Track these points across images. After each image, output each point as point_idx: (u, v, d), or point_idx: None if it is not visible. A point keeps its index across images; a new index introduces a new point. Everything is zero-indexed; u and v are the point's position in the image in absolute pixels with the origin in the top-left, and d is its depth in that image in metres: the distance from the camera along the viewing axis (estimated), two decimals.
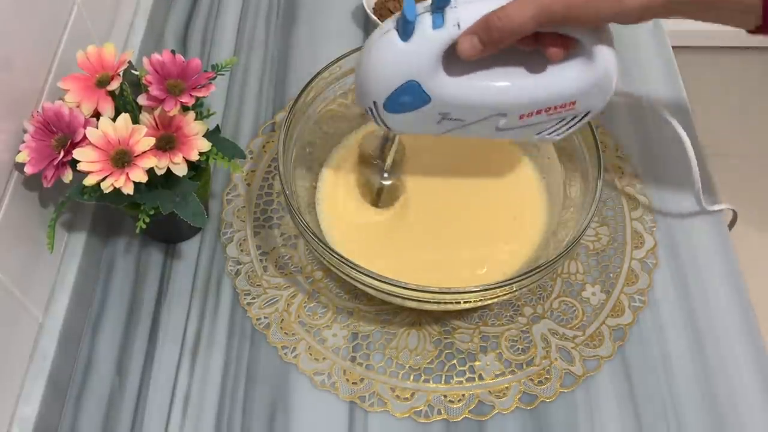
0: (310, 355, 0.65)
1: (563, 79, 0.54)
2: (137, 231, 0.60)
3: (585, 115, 0.57)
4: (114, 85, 0.58)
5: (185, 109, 0.60)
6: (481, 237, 0.68)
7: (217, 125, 0.66)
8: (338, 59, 0.67)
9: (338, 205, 0.70)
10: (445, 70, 0.53)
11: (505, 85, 0.54)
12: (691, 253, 0.71)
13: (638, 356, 0.65)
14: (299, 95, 0.65)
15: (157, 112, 0.59)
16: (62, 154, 0.56)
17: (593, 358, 0.65)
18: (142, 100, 0.59)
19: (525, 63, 0.54)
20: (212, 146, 0.61)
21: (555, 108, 0.56)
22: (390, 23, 0.53)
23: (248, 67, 0.85)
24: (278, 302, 0.67)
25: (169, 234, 0.71)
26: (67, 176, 0.57)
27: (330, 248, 0.58)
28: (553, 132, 0.59)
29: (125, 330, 0.67)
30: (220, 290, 0.69)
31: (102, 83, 0.59)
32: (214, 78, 0.61)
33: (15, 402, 0.58)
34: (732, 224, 0.73)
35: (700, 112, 0.74)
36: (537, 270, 0.57)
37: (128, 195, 0.56)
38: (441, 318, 0.67)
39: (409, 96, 0.54)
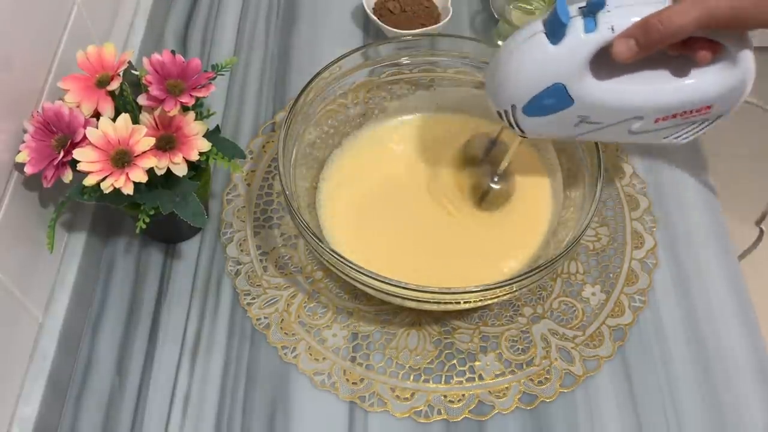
0: (310, 355, 0.65)
1: (706, 82, 0.54)
2: (137, 231, 0.60)
3: (716, 119, 0.57)
4: (114, 85, 0.58)
5: (185, 109, 0.60)
6: (481, 237, 0.68)
7: (217, 125, 0.66)
8: (338, 59, 0.67)
9: (338, 205, 0.70)
10: (592, 74, 0.54)
11: (648, 88, 0.55)
12: (691, 253, 0.71)
13: (638, 356, 0.65)
14: (299, 95, 0.65)
15: (157, 112, 0.59)
16: (62, 154, 0.56)
17: (593, 358, 0.65)
18: (142, 100, 0.59)
19: (668, 67, 0.55)
20: (212, 146, 0.61)
21: (691, 112, 0.56)
22: (536, 26, 0.53)
23: (248, 67, 0.85)
24: (278, 302, 0.67)
25: (169, 234, 0.71)
26: (67, 176, 0.57)
27: (330, 248, 0.58)
28: (681, 135, 0.59)
29: (125, 330, 0.67)
30: (220, 290, 0.69)
31: (102, 83, 0.59)
32: (214, 78, 0.61)
33: (15, 402, 0.58)
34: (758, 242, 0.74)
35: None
36: (537, 270, 0.57)
37: (128, 195, 0.56)
38: (441, 318, 0.67)
39: (553, 99, 0.54)
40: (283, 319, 0.67)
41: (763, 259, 1.34)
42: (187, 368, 0.64)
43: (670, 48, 0.52)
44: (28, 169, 0.56)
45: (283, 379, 0.64)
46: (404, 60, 0.71)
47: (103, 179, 0.55)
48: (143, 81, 0.58)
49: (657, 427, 0.62)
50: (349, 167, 0.72)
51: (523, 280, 0.57)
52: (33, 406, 0.58)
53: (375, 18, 0.83)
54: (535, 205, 0.70)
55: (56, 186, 0.57)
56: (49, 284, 0.64)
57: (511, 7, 0.80)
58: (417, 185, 0.71)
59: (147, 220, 0.60)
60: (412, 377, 0.64)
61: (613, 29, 0.51)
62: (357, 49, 0.68)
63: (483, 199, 0.69)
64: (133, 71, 0.62)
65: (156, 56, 0.59)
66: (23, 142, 0.57)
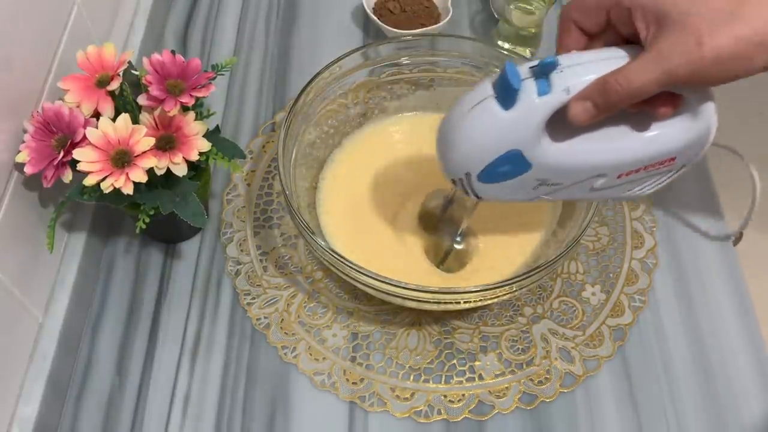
0: (310, 355, 0.65)
1: (668, 136, 0.51)
2: (137, 231, 0.60)
3: (680, 169, 0.55)
4: (114, 85, 0.58)
5: (185, 109, 0.60)
6: (482, 237, 0.68)
7: (217, 125, 0.66)
8: (338, 59, 0.67)
9: (338, 205, 0.70)
10: (548, 136, 0.50)
11: (609, 146, 0.52)
12: (691, 252, 0.71)
13: (638, 356, 0.65)
14: (299, 95, 0.65)
15: (157, 112, 0.59)
16: (62, 154, 0.56)
17: (593, 358, 0.65)
18: (142, 100, 0.59)
19: (628, 122, 0.52)
20: (212, 146, 0.61)
21: (654, 165, 0.53)
22: (484, 90, 0.49)
23: (248, 67, 0.85)
24: (278, 302, 0.67)
25: (169, 234, 0.71)
26: (67, 176, 0.57)
27: (330, 248, 0.58)
28: (645, 188, 0.56)
29: (125, 330, 0.67)
30: (220, 290, 0.69)
31: (102, 83, 0.59)
32: (214, 78, 0.61)
33: (15, 402, 0.58)
34: (737, 242, 0.73)
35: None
36: (537, 270, 0.57)
37: (128, 195, 0.56)
38: (441, 318, 0.67)
39: (509, 165, 0.51)
40: (283, 319, 0.67)
41: (763, 259, 1.34)
42: (187, 368, 0.64)
43: (630, 106, 0.49)
44: (28, 169, 0.56)
45: (283, 379, 0.64)
46: (404, 60, 0.71)
47: (103, 179, 0.55)
48: (143, 81, 0.58)
49: (657, 427, 0.62)
50: (349, 167, 0.72)
51: (523, 280, 0.57)
52: (33, 406, 0.58)
53: (375, 18, 0.83)
54: (534, 206, 0.69)
55: (56, 186, 0.57)
56: (49, 284, 0.64)
57: (511, 7, 0.80)
58: (417, 185, 0.71)
59: (147, 220, 0.60)
60: (412, 377, 0.64)
61: (568, 91, 0.47)
62: (357, 49, 0.68)
63: (444, 259, 0.67)
64: (133, 71, 0.62)
65: (156, 56, 0.59)
66: (23, 142, 0.57)
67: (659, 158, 0.53)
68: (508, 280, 0.56)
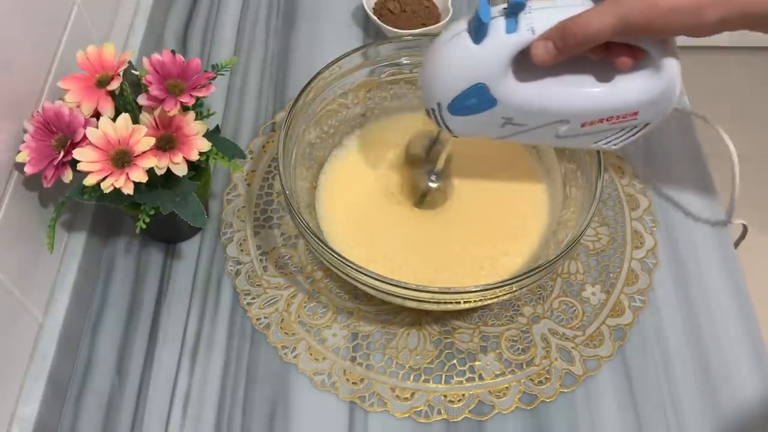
0: (310, 355, 0.65)
1: (629, 89, 0.54)
2: (137, 231, 0.60)
3: (644, 126, 0.58)
4: (114, 85, 0.58)
5: (185, 109, 0.60)
6: (482, 238, 0.68)
7: (217, 125, 0.66)
8: (338, 59, 0.67)
9: (338, 205, 0.70)
10: (514, 75, 0.54)
11: (571, 92, 0.55)
12: (691, 253, 0.71)
13: (638, 356, 0.65)
14: (299, 95, 0.65)
15: (157, 112, 0.59)
16: (62, 154, 0.56)
17: (593, 358, 0.65)
18: (142, 100, 0.59)
19: (592, 71, 0.55)
20: (212, 146, 0.61)
21: (617, 118, 0.56)
22: (461, 25, 0.53)
23: (248, 67, 0.85)
24: (278, 302, 0.67)
25: (169, 234, 0.71)
26: (67, 176, 0.57)
27: (330, 248, 0.58)
28: (610, 141, 0.59)
29: (125, 330, 0.67)
30: (220, 290, 0.69)
31: (102, 83, 0.59)
32: (214, 78, 0.61)
33: (15, 402, 0.58)
34: (742, 237, 0.74)
35: (700, 113, 0.74)
36: (537, 270, 0.57)
37: (128, 195, 0.56)
38: (441, 318, 0.67)
39: (476, 99, 0.54)
40: (283, 319, 0.67)
41: (764, 259, 1.34)
42: (187, 368, 0.64)
43: (591, 52, 0.52)
44: (28, 169, 0.56)
45: (283, 379, 0.64)
46: (404, 60, 0.71)
47: (103, 179, 0.55)
48: (143, 81, 0.58)
49: (657, 427, 0.62)
50: (349, 167, 0.72)
51: (523, 280, 0.57)
52: (33, 406, 0.58)
53: (375, 18, 0.83)
54: (531, 206, 0.70)
55: (56, 186, 0.57)
56: (49, 284, 0.64)
57: None
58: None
59: (147, 220, 0.60)
60: (412, 377, 0.64)
61: (533, 31, 0.51)
62: (357, 49, 0.68)
63: (423, 199, 0.69)
64: (133, 71, 0.62)
65: (156, 56, 0.59)
66: (23, 142, 0.57)
67: (621, 111, 0.55)
68: (508, 280, 0.56)
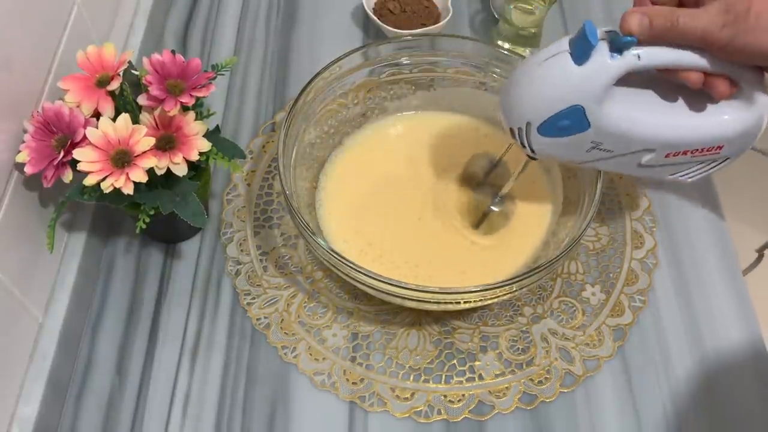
0: (310, 355, 0.65)
1: (720, 122, 0.54)
2: (137, 231, 0.60)
3: (724, 161, 0.58)
4: (114, 85, 0.58)
5: (185, 109, 0.60)
6: (482, 238, 0.68)
7: (217, 125, 0.66)
8: (338, 59, 0.67)
9: (338, 205, 0.70)
10: (610, 99, 0.53)
11: (664, 121, 0.54)
12: (691, 253, 0.71)
13: (638, 356, 0.65)
14: (299, 95, 0.65)
15: (157, 112, 0.59)
16: (62, 154, 0.56)
17: (593, 358, 0.65)
18: (142, 100, 0.59)
19: (686, 101, 0.54)
20: (212, 146, 0.61)
21: (701, 150, 0.56)
22: (561, 45, 0.52)
23: (248, 67, 0.85)
24: (278, 302, 0.67)
25: (169, 234, 0.71)
26: (67, 176, 0.57)
27: (330, 248, 0.58)
28: (686, 174, 0.59)
29: (125, 330, 0.67)
30: (220, 290, 0.69)
31: (102, 83, 0.59)
32: (214, 78, 0.61)
33: (15, 402, 0.58)
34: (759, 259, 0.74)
35: None
36: (537, 270, 0.57)
37: (128, 195, 0.56)
38: (441, 318, 0.67)
39: (570, 121, 0.53)
40: (283, 319, 0.67)
41: (764, 259, 1.34)
42: (187, 368, 0.64)
43: (691, 81, 0.51)
44: (28, 169, 0.56)
45: (283, 379, 0.64)
46: (404, 60, 0.71)
47: (103, 179, 0.55)
48: (143, 81, 0.58)
49: (657, 427, 0.62)
50: (349, 167, 0.72)
51: (523, 280, 0.57)
52: (33, 406, 0.58)
53: (375, 18, 0.83)
54: (534, 206, 0.70)
55: (56, 186, 0.57)
56: (49, 284, 0.64)
57: (511, 7, 0.80)
58: (417, 185, 0.71)
59: (147, 220, 0.60)
60: (412, 377, 0.64)
61: (639, 57, 0.50)
62: (357, 49, 0.68)
63: (482, 221, 0.68)
64: (133, 71, 0.62)
65: (156, 56, 0.59)
66: (23, 142, 0.57)
67: (708, 144, 0.55)
68: (508, 280, 0.56)
